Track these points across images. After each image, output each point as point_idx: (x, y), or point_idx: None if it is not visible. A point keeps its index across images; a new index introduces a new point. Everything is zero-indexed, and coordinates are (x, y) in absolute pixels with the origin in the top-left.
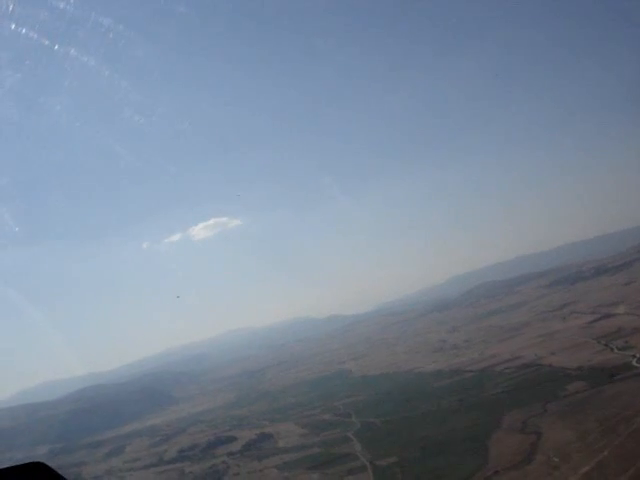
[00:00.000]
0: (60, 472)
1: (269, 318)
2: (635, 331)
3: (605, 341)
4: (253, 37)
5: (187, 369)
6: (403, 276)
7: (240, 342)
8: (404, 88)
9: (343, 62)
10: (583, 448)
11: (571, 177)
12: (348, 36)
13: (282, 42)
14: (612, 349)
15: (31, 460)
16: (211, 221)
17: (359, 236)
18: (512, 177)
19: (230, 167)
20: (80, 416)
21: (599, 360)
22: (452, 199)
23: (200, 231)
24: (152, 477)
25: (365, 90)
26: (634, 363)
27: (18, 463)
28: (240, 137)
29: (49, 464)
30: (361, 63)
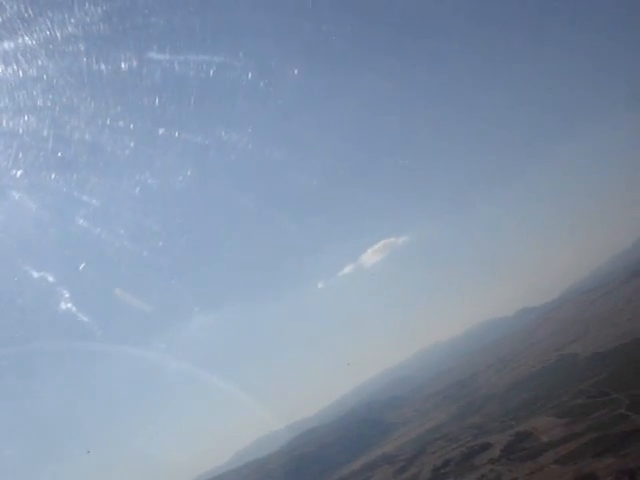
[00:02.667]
0: None
1: (454, 328)
2: None
3: None
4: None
5: (392, 394)
6: (585, 251)
7: (432, 358)
8: None
9: None
10: None
11: None
12: None
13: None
14: None
15: None
16: (380, 244)
17: (528, 222)
18: None
19: (385, 183)
20: (303, 462)
21: None
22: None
23: (370, 257)
24: None
25: None
26: None
27: None
28: (388, 150)
29: None
30: None
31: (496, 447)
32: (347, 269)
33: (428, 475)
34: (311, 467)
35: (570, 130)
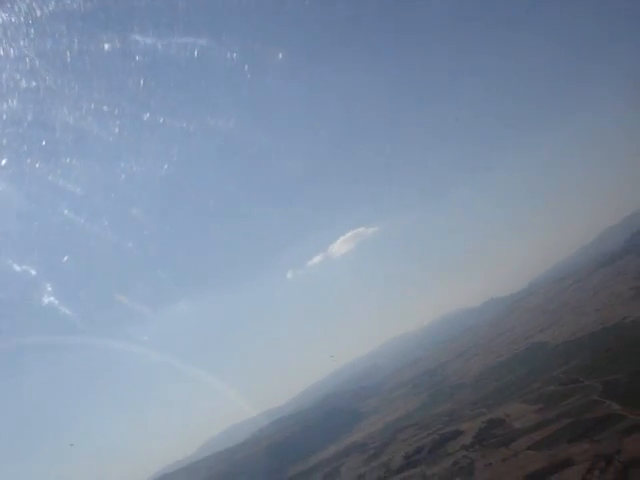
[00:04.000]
0: None
1: (423, 319)
2: None
3: None
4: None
5: (361, 384)
6: (549, 243)
7: (401, 348)
8: None
9: None
10: None
11: None
12: None
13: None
14: None
15: None
16: (349, 234)
17: (494, 214)
18: None
19: (358, 174)
20: (275, 450)
21: None
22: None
23: (340, 246)
24: None
25: None
26: None
27: None
28: (362, 142)
29: None
30: None
31: (468, 434)
32: (316, 259)
33: (400, 462)
34: (281, 456)
35: (542, 122)
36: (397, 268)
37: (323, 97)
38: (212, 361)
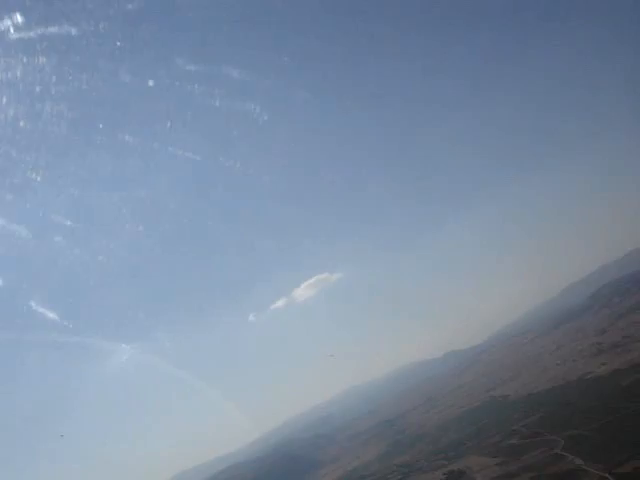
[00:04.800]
0: None
1: (381, 369)
2: None
3: None
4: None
5: (318, 432)
6: (512, 297)
7: (359, 397)
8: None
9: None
10: None
11: None
12: None
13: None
14: None
15: None
16: (313, 279)
17: (456, 267)
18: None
19: (324, 221)
20: None
21: None
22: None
23: (304, 291)
24: None
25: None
26: None
27: None
28: (322, 190)
29: None
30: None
31: None
32: (279, 303)
33: None
34: None
35: (513, 170)
36: (359, 316)
37: (293, 139)
38: (162, 403)
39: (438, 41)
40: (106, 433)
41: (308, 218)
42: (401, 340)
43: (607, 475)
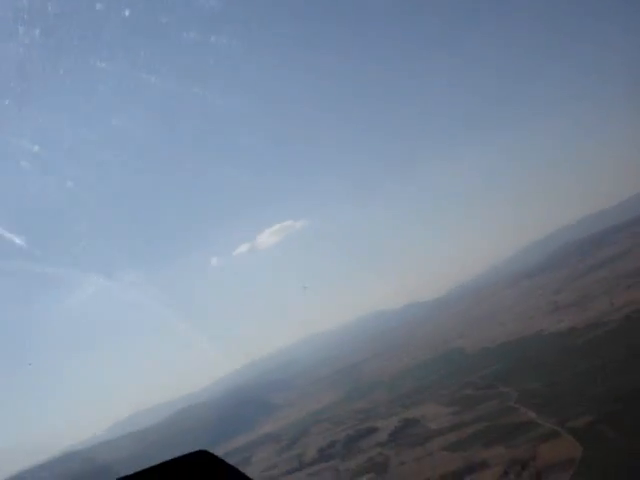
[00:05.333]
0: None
1: (343, 317)
2: None
3: None
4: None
5: (277, 376)
6: (472, 253)
7: (319, 345)
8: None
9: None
10: None
11: None
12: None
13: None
14: None
15: None
16: (276, 226)
17: (421, 221)
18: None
19: (289, 166)
20: (186, 436)
21: None
22: (505, 171)
23: (267, 238)
24: None
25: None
26: None
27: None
28: (291, 133)
29: None
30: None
31: (383, 431)
32: (243, 248)
33: (314, 455)
34: (191, 442)
35: (474, 128)
36: (322, 264)
37: (266, 85)
38: (127, 343)
39: None
40: (70, 365)
41: (276, 162)
42: (363, 289)
43: (559, 428)
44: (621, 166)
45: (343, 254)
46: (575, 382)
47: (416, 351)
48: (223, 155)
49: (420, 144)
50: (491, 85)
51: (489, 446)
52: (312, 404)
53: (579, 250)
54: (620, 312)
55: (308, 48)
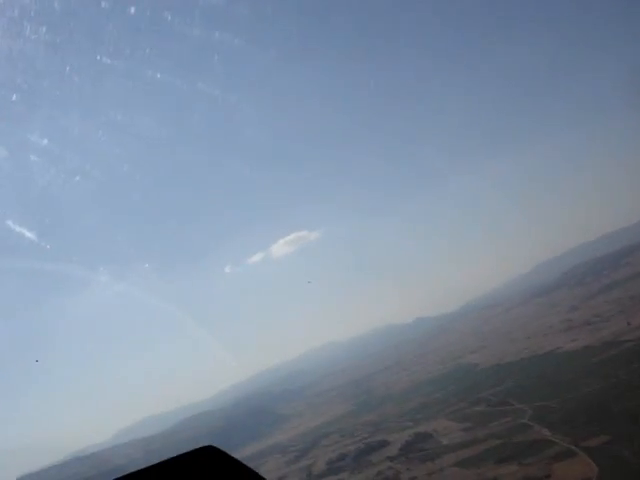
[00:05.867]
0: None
1: (353, 329)
2: None
3: None
4: (330, 37)
5: (286, 387)
6: (486, 269)
7: (329, 356)
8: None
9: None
10: None
11: None
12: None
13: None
14: None
15: None
16: (291, 236)
17: (435, 235)
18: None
19: (304, 179)
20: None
21: None
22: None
23: (281, 248)
24: None
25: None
26: None
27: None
28: (310, 144)
29: None
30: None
31: (394, 445)
32: (257, 257)
33: (323, 468)
34: None
35: (497, 145)
36: (334, 276)
37: (278, 98)
38: (137, 348)
39: None
40: (78, 367)
41: (293, 172)
42: (374, 303)
43: (574, 447)
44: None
45: (356, 266)
46: (590, 401)
47: (427, 366)
48: (241, 164)
49: (436, 157)
50: (511, 99)
51: (502, 463)
52: (321, 416)
53: (595, 269)
54: (636, 332)
55: (326, 59)
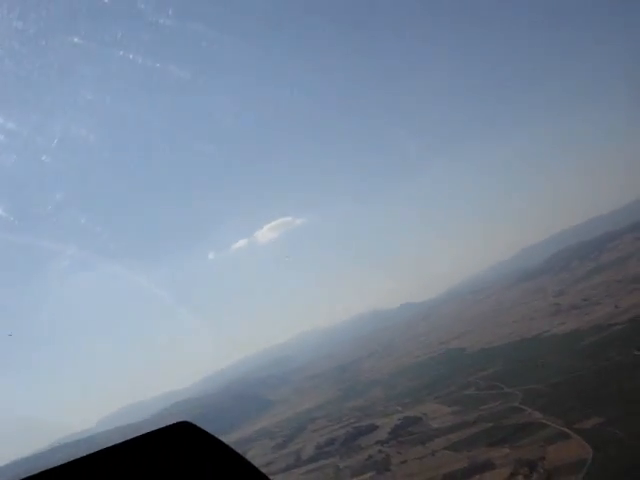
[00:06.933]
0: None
1: (338, 315)
2: None
3: None
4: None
5: (272, 372)
6: (469, 255)
7: (315, 342)
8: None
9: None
10: None
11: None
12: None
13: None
14: None
15: None
16: (276, 222)
17: (420, 221)
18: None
19: (289, 165)
20: None
21: None
22: (507, 171)
23: (266, 234)
24: (304, 478)
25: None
26: None
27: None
28: (293, 129)
29: None
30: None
31: (383, 429)
32: (241, 243)
33: (311, 452)
34: None
35: (481, 130)
36: (320, 262)
37: (265, 86)
38: (117, 335)
39: None
40: (55, 352)
41: (277, 158)
42: (359, 289)
43: (567, 430)
44: (623, 170)
45: (341, 252)
46: (582, 383)
47: (413, 350)
48: (224, 150)
49: (421, 143)
50: (495, 85)
51: (494, 446)
52: (307, 401)
53: (580, 254)
54: (625, 315)
55: (312, 47)
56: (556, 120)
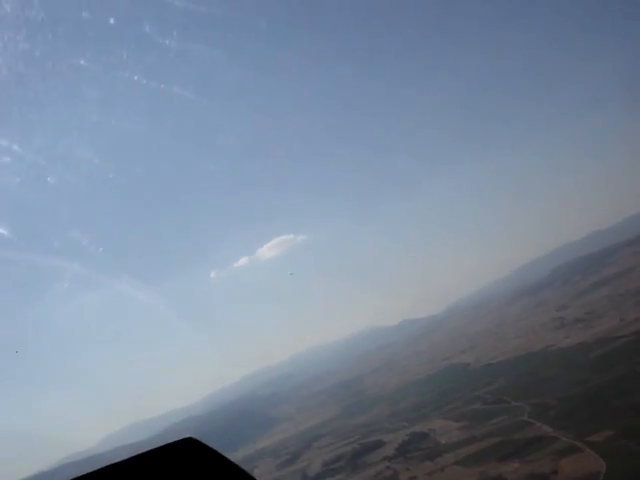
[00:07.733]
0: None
1: (338, 333)
2: None
3: None
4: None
5: (275, 390)
6: (469, 271)
7: (316, 359)
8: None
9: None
10: None
11: None
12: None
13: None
14: None
15: None
16: (277, 240)
17: (420, 238)
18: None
19: (291, 182)
20: None
21: None
22: (506, 188)
23: (267, 251)
24: None
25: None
26: None
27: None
28: (296, 150)
29: None
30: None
31: (391, 445)
32: (242, 261)
33: (318, 469)
34: None
35: (479, 148)
36: (320, 278)
37: (264, 102)
38: (122, 354)
39: None
40: (65, 369)
41: (278, 177)
42: (359, 305)
43: (579, 443)
44: (619, 185)
45: (342, 269)
46: (590, 396)
47: (416, 367)
48: (225, 169)
49: (420, 161)
50: (492, 103)
51: (504, 461)
52: (311, 418)
53: (580, 268)
54: (631, 327)
55: (313, 68)
56: (553, 137)
